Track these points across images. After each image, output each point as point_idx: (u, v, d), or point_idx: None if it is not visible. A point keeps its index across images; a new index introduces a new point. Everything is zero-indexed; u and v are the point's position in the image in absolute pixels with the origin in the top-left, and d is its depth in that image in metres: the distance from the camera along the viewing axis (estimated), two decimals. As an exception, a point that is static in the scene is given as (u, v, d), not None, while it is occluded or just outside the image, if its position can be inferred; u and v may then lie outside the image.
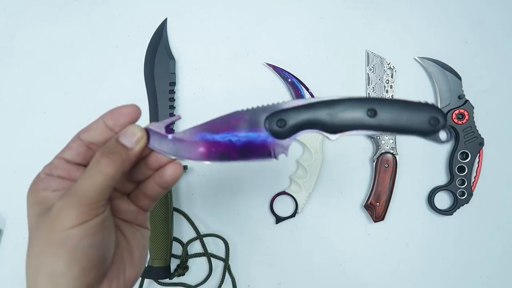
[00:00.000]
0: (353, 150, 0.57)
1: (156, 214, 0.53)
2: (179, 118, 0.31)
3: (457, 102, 0.55)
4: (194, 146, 0.29)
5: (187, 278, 0.55)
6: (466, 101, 0.55)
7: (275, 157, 0.29)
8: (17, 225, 0.56)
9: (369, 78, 0.57)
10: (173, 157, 0.29)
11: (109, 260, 0.28)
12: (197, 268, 0.55)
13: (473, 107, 0.55)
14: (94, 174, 0.26)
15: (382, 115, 0.28)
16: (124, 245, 0.30)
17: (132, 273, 0.30)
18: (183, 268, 0.54)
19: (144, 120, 0.57)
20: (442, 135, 0.28)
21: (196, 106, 0.58)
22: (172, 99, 0.56)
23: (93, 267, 0.26)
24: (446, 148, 0.56)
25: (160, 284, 0.54)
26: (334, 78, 0.58)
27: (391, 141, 0.55)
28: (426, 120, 0.27)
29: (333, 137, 0.28)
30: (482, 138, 0.54)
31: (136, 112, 0.30)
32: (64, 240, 0.25)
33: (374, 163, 0.55)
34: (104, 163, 0.26)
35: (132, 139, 0.28)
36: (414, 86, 0.57)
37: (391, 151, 0.55)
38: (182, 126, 0.57)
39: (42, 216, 0.26)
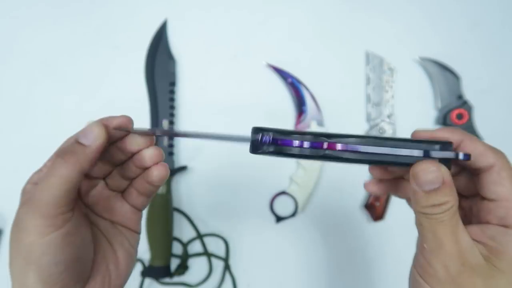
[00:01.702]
0: (353, 150, 0.57)
1: (156, 214, 0.53)
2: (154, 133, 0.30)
3: (456, 102, 0.55)
4: None
5: (187, 278, 0.55)
6: (466, 101, 0.55)
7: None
8: (17, 225, 0.56)
9: (369, 78, 0.57)
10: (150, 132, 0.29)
11: (84, 275, 0.27)
12: (197, 268, 0.56)
13: (472, 107, 0.55)
14: (50, 177, 0.24)
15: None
16: (110, 255, 0.29)
17: (118, 282, 0.29)
18: (183, 268, 0.54)
19: (144, 120, 0.57)
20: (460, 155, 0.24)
21: (196, 106, 0.58)
22: (172, 99, 0.56)
23: (61, 285, 0.24)
24: (446, 148, 0.56)
25: (160, 284, 0.54)
26: (334, 78, 0.58)
27: (391, 141, 0.55)
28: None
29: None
30: (482, 138, 0.54)
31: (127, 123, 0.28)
32: (27, 253, 0.23)
33: (374, 163, 0.55)
34: (59, 163, 0.24)
35: (90, 136, 0.26)
36: (414, 86, 0.57)
37: (391, 151, 0.55)
38: (182, 126, 0.57)
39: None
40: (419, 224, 0.25)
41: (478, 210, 0.26)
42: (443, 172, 0.23)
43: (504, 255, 0.23)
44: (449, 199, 0.23)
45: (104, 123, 0.27)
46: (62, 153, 0.25)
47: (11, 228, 0.25)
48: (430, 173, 0.23)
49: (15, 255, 0.24)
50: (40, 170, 0.27)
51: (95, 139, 0.26)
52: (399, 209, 0.56)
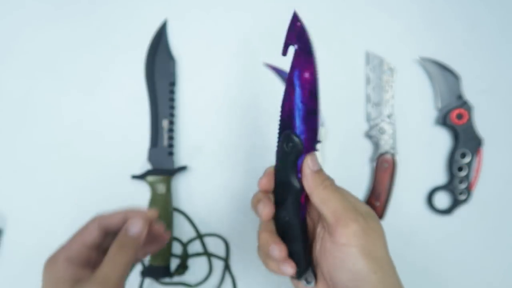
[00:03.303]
0: (353, 150, 0.57)
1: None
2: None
3: (456, 102, 0.55)
4: None
5: (187, 278, 0.55)
6: (466, 101, 0.55)
7: None
8: (17, 224, 0.56)
9: (369, 78, 0.57)
10: None
11: None
12: (197, 268, 0.56)
13: (472, 107, 0.55)
14: (117, 264, 0.32)
15: None
16: None
17: None
18: (183, 268, 0.54)
19: (144, 120, 0.57)
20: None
21: (196, 106, 0.58)
22: (172, 99, 0.56)
23: None
24: (446, 148, 0.56)
25: (160, 284, 0.54)
26: (334, 78, 0.58)
27: (391, 141, 0.55)
28: None
29: None
30: (482, 138, 0.54)
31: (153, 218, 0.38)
32: None
33: (374, 163, 0.55)
34: (123, 254, 0.33)
35: (139, 230, 0.35)
36: (413, 86, 0.57)
37: (391, 151, 0.55)
38: (182, 126, 0.57)
39: None
40: (317, 200, 0.33)
41: None
42: (319, 162, 0.34)
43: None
44: (328, 176, 0.34)
45: (144, 217, 0.36)
46: (122, 246, 0.34)
47: None
48: (315, 160, 0.34)
49: None
50: (70, 249, 0.34)
51: (142, 232, 0.35)
52: (398, 208, 0.56)
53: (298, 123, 0.34)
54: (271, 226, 0.36)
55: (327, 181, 0.33)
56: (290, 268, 0.34)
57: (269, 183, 0.36)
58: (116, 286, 0.31)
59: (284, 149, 0.34)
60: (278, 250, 0.33)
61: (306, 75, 0.33)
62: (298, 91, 0.33)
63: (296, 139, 0.33)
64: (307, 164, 0.33)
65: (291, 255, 0.34)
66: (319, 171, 0.34)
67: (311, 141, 0.34)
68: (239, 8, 0.59)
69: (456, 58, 0.57)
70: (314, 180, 0.33)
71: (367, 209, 0.34)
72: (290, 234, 0.35)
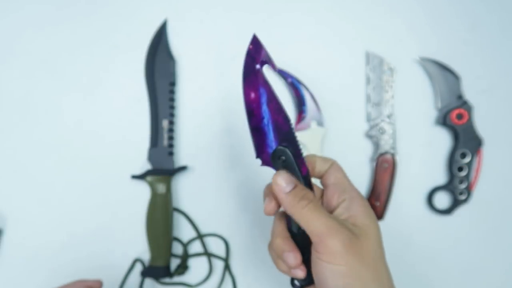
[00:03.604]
0: (353, 149, 0.57)
1: (156, 214, 0.53)
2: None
3: (456, 102, 0.55)
4: None
5: (187, 278, 0.55)
6: (466, 101, 0.55)
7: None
8: (17, 224, 0.56)
9: (369, 78, 0.57)
10: None
11: None
12: (197, 268, 0.56)
13: (472, 107, 0.55)
14: None
15: None
16: None
17: None
18: (183, 268, 0.54)
19: (144, 120, 0.57)
20: None
21: (196, 106, 0.58)
22: (172, 99, 0.56)
23: None
24: (446, 148, 0.56)
25: (160, 284, 0.54)
26: (334, 78, 0.58)
27: (391, 141, 0.55)
28: None
29: None
30: (482, 138, 0.54)
31: None
32: None
33: (374, 163, 0.55)
34: None
35: None
36: (414, 86, 0.57)
37: (391, 151, 0.55)
38: (182, 126, 0.57)
39: None
40: (299, 221, 0.32)
41: (328, 199, 0.35)
42: (292, 178, 0.33)
43: (355, 217, 0.33)
44: (305, 192, 0.32)
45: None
46: None
47: None
48: (285, 179, 0.32)
49: None
50: None
51: None
52: (398, 208, 0.56)
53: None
54: (286, 232, 0.35)
55: (304, 201, 0.31)
56: (301, 272, 0.34)
57: (276, 204, 0.34)
58: None
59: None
60: (294, 257, 0.33)
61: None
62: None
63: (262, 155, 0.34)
64: (277, 185, 0.32)
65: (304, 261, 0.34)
66: (293, 191, 0.32)
67: (263, 155, 0.34)
68: (239, 8, 0.59)
69: (456, 58, 0.57)
70: (289, 202, 0.32)
71: (368, 223, 0.33)
72: (305, 243, 0.34)
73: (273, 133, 0.33)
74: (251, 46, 0.34)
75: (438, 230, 0.56)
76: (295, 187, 0.32)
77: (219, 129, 0.57)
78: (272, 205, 0.35)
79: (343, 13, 0.59)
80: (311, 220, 0.31)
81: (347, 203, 0.34)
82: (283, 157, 0.33)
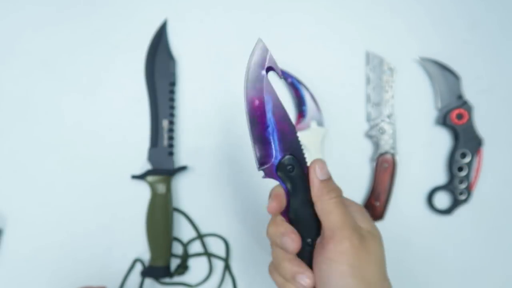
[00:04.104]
0: (353, 149, 0.57)
1: (156, 214, 0.53)
2: None
3: (456, 102, 0.55)
4: None
5: (187, 278, 0.55)
6: (466, 101, 0.55)
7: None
8: (17, 224, 0.56)
9: (369, 78, 0.57)
10: None
11: None
12: (197, 268, 0.56)
13: (472, 107, 0.55)
14: None
15: None
16: None
17: None
18: (183, 268, 0.54)
19: (144, 120, 0.57)
20: None
21: (196, 106, 0.58)
22: (172, 99, 0.56)
23: None
24: (446, 148, 0.56)
25: (160, 284, 0.54)
26: (334, 78, 0.58)
27: (391, 141, 0.55)
28: None
29: None
30: (482, 138, 0.54)
31: None
32: None
33: (374, 163, 0.55)
34: None
35: None
36: (414, 86, 0.57)
37: (391, 151, 0.55)
38: (182, 126, 0.57)
39: None
40: (320, 210, 0.33)
41: None
42: (328, 170, 0.33)
43: (357, 221, 0.33)
44: (336, 187, 0.33)
45: None
46: None
47: None
48: (322, 168, 0.33)
49: None
50: None
51: None
52: (398, 208, 0.56)
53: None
54: (290, 254, 0.35)
55: (333, 193, 0.33)
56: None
57: (279, 206, 0.34)
58: None
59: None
60: (308, 278, 0.33)
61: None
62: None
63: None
64: (315, 171, 0.33)
65: None
66: (327, 181, 0.33)
67: (266, 166, 0.33)
68: (239, 8, 0.59)
69: (456, 58, 0.57)
70: (320, 189, 0.32)
71: (371, 228, 0.33)
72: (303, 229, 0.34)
73: (278, 142, 0.32)
74: (256, 51, 0.32)
75: (438, 230, 0.56)
76: (329, 178, 0.33)
77: (219, 129, 0.57)
78: (274, 206, 0.34)
79: (343, 13, 0.59)
80: (332, 213, 0.32)
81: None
82: (290, 167, 0.32)
